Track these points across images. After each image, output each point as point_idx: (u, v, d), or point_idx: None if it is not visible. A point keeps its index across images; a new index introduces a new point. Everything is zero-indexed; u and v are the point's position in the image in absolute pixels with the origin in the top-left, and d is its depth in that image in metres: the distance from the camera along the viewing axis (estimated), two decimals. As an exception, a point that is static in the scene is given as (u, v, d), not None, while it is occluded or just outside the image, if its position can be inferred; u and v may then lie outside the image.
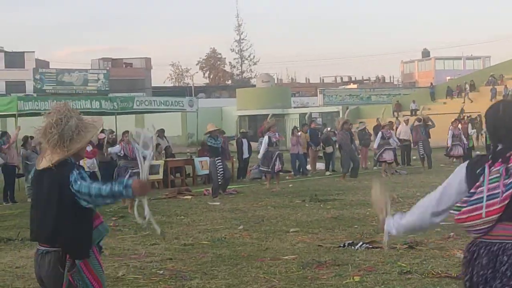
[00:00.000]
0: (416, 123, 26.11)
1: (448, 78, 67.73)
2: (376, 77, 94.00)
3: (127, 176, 14.54)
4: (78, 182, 4.43)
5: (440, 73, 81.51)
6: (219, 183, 17.33)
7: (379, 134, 23.61)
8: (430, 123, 25.89)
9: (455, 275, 7.47)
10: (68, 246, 4.47)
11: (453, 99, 54.93)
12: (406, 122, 28.87)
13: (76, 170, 4.51)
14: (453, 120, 29.20)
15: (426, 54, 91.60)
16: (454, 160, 25.71)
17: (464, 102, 51.58)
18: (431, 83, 64.84)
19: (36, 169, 4.68)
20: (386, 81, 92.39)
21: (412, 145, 26.85)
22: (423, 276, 7.60)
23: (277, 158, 19.45)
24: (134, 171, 14.39)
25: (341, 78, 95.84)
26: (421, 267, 8.04)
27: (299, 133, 25.26)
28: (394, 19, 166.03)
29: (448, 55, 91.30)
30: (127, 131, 15.79)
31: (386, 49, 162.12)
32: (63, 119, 4.56)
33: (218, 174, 17.17)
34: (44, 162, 4.58)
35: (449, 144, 25.26)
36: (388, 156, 22.81)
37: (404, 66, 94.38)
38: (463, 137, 25.41)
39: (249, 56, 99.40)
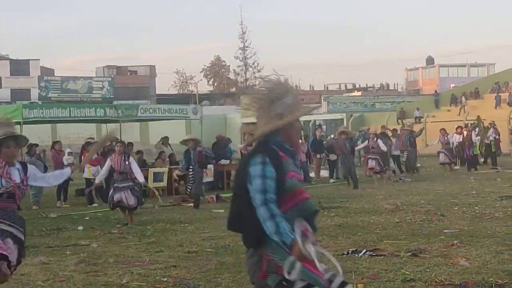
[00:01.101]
0: (402, 131, 26.33)
1: (452, 85, 67.73)
2: (380, 85, 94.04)
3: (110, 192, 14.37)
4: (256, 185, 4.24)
5: (445, 81, 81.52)
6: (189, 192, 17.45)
7: (365, 142, 23.93)
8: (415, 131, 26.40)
9: (458, 283, 7.49)
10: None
11: (458, 106, 54.88)
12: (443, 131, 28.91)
13: (258, 159, 4.27)
14: (456, 127, 29.36)
15: (430, 61, 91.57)
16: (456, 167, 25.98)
17: (459, 114, 51.31)
18: (435, 91, 64.85)
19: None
20: (390, 88, 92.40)
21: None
22: (426, 284, 7.61)
23: None
24: (121, 185, 14.18)
25: (345, 86, 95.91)
26: (425, 274, 8.04)
27: (300, 141, 25.30)
28: (399, 26, 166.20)
29: (453, 62, 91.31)
30: (119, 141, 15.03)
31: (390, 56, 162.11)
32: (280, 93, 4.38)
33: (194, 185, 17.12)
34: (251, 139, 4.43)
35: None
36: (371, 164, 22.92)
37: (408, 73, 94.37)
38: (451, 147, 25.82)
39: (253, 64, 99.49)
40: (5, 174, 6.74)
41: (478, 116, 38.53)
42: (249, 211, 4.24)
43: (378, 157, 22.87)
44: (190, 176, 17.24)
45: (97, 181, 15.25)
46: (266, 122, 4.32)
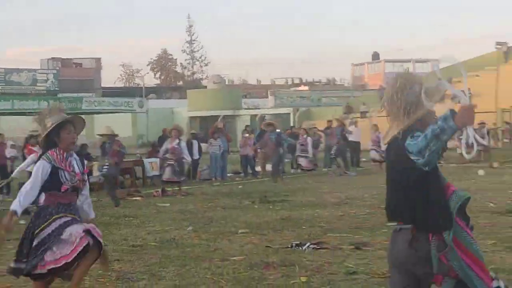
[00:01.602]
0: (334, 125, 26.32)
1: (397, 80, 68.35)
2: (327, 80, 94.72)
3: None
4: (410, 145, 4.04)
5: (390, 76, 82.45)
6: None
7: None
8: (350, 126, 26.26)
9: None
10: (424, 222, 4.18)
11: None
12: (356, 124, 29.15)
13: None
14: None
15: (376, 56, 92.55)
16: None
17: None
18: (380, 86, 65.52)
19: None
20: (336, 83, 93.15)
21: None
22: (369, 276, 7.69)
23: None
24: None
25: (292, 80, 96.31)
26: (367, 267, 8.13)
27: (246, 135, 25.36)
28: (345, 22, 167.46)
29: (398, 58, 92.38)
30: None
31: (337, 51, 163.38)
32: (406, 84, 4.35)
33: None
34: (390, 133, 4.32)
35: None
36: (303, 163, 23.10)
37: (355, 68, 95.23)
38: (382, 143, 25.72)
39: (200, 57, 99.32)
40: (68, 167, 6.28)
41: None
42: (423, 198, 4.20)
43: (308, 154, 23.05)
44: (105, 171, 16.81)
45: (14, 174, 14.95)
46: (401, 117, 4.30)
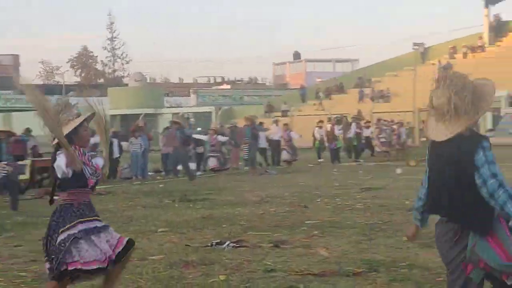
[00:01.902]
0: (243, 124, 26.30)
1: (318, 80, 69.34)
2: (249, 78, 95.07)
3: None
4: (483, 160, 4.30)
5: (311, 75, 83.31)
6: None
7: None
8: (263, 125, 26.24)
9: (317, 272, 7.68)
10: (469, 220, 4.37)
11: (323, 100, 56.28)
12: (276, 123, 29.35)
13: (485, 143, 4.37)
14: (318, 121, 29.99)
15: (297, 56, 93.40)
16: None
17: (318, 109, 52.62)
18: (302, 85, 66.22)
19: (433, 141, 4.55)
20: (258, 82, 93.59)
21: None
22: (287, 273, 7.77)
23: None
24: None
25: (215, 79, 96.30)
26: (286, 265, 8.21)
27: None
28: (266, 21, 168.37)
29: (319, 57, 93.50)
30: None
31: (259, 50, 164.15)
32: (466, 84, 4.46)
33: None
34: (444, 132, 4.44)
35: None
36: (211, 163, 23.20)
37: (276, 68, 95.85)
38: (293, 144, 25.40)
39: (121, 55, 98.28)
40: (88, 162, 6.02)
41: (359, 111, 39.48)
42: (475, 197, 4.35)
43: (219, 154, 23.08)
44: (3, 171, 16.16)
45: None
46: (465, 116, 4.41)
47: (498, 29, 62.29)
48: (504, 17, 63.27)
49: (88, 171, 5.96)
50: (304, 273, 7.74)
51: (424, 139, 37.45)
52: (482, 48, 60.55)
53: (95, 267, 5.75)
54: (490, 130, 47.51)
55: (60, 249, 5.74)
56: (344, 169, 24.96)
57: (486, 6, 62.31)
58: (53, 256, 5.78)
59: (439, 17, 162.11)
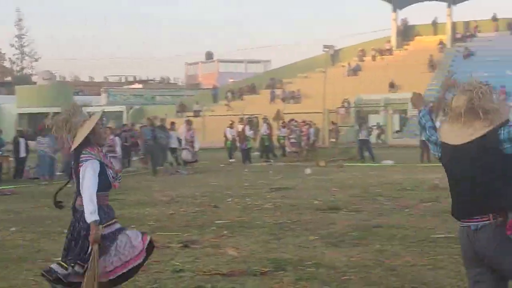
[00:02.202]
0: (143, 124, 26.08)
1: (230, 80, 69.47)
2: (161, 78, 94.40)
3: None
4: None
5: (223, 76, 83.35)
6: None
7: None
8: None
9: (225, 272, 7.70)
10: None
11: (236, 101, 56.43)
12: (187, 123, 29.17)
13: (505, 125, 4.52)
14: (230, 121, 30.01)
15: (209, 56, 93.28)
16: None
17: (228, 109, 52.81)
18: (214, 85, 66.21)
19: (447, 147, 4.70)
20: (170, 82, 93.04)
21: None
22: (195, 273, 7.75)
23: None
24: None
25: (126, 78, 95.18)
26: (194, 265, 8.20)
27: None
28: (178, 20, 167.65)
29: (232, 58, 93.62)
30: None
31: (171, 50, 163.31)
32: (488, 90, 4.65)
33: None
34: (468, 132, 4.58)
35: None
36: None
37: (188, 67, 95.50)
38: (196, 144, 24.91)
39: (30, 52, 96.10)
40: (110, 163, 5.85)
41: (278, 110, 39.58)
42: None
43: (117, 156, 22.80)
44: None
45: None
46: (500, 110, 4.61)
47: (405, 33, 63.89)
48: (411, 22, 64.97)
49: (111, 175, 5.83)
50: (212, 273, 7.75)
51: (334, 140, 38.09)
52: (390, 51, 61.98)
53: (132, 265, 5.73)
54: (397, 131, 48.71)
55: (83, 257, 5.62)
56: (255, 169, 25.10)
57: (394, 10, 63.78)
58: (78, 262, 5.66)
59: (349, 20, 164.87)
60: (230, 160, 29.04)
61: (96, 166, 5.66)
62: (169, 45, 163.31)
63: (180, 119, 38.87)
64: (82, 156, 5.66)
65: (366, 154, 28.87)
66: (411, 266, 7.88)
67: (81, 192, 5.63)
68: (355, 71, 59.25)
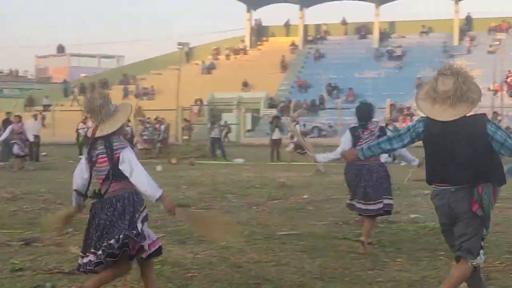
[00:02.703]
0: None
1: (82, 75, 68.03)
2: (9, 70, 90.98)
3: None
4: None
5: (75, 70, 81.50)
6: None
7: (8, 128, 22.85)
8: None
9: (68, 271, 7.49)
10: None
11: (82, 96, 55.38)
12: (36, 117, 28.34)
13: (486, 117, 5.50)
14: (84, 117, 29.27)
15: (61, 50, 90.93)
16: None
17: (71, 105, 51.94)
18: (65, 79, 64.63)
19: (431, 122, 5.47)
20: (20, 75, 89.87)
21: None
22: (35, 272, 7.49)
23: None
24: None
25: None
26: (35, 263, 7.92)
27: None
28: (31, 13, 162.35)
29: (84, 52, 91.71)
30: None
31: (20, 42, 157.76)
32: (468, 77, 5.46)
33: None
34: (451, 113, 5.36)
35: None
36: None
37: (39, 61, 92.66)
38: (29, 136, 23.92)
39: None
40: None
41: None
42: (490, 159, 5.41)
43: None
44: None
45: None
46: (467, 102, 5.40)
47: (259, 33, 64.92)
48: (265, 22, 66.10)
49: None
50: (53, 271, 7.52)
51: (187, 137, 38.11)
52: (244, 51, 62.78)
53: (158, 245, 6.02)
54: (249, 130, 49.40)
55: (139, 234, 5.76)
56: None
57: (249, 10, 64.67)
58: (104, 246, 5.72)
59: (205, 19, 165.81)
60: (80, 157, 28.36)
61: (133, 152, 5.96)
62: (18, 36, 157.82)
63: (29, 113, 37.67)
64: (115, 144, 5.84)
65: (218, 152, 29.08)
66: (256, 262, 7.97)
67: (132, 176, 5.81)
68: (209, 69, 59.63)
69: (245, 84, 55.18)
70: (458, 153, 5.38)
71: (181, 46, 49.35)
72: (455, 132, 5.39)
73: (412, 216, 11.57)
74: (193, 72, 56.46)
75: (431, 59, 55.87)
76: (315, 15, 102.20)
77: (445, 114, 5.39)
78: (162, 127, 32.48)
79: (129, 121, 31.35)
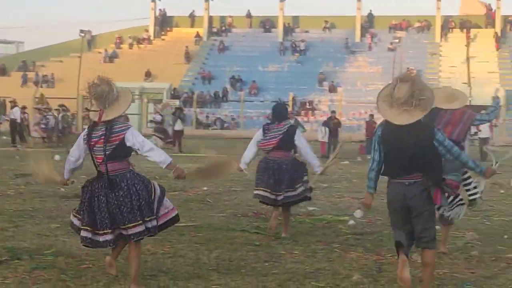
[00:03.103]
0: None
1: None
2: None
3: None
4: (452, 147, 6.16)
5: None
6: None
7: None
8: None
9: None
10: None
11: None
12: None
13: (435, 128, 6.23)
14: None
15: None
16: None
17: None
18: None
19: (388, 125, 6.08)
20: None
21: None
22: None
23: None
24: None
25: None
26: None
27: None
28: None
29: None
30: None
31: None
32: (422, 83, 6.15)
33: None
34: (407, 118, 5.93)
35: None
36: None
37: None
38: None
39: None
40: None
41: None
42: (437, 160, 6.13)
43: None
44: None
45: None
46: (421, 108, 6.01)
47: (163, 23, 64.35)
48: (169, 13, 65.54)
49: None
50: None
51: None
52: (148, 40, 62.12)
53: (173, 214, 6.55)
54: (151, 121, 48.93)
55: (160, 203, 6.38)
56: (1, 154, 23.96)
57: (153, 0, 63.97)
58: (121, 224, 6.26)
59: (108, 6, 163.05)
60: (15, 145, 27.61)
61: None
62: None
63: None
64: (117, 126, 6.29)
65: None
66: (152, 254, 7.88)
67: (143, 149, 6.28)
68: (111, 58, 58.78)
69: (148, 74, 54.68)
70: (411, 153, 6.01)
71: (83, 34, 48.44)
72: (408, 135, 6.00)
73: (310, 208, 11.71)
74: (95, 61, 55.43)
75: (333, 54, 56.86)
76: (220, 7, 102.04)
77: (400, 118, 5.97)
78: (60, 116, 31.70)
79: (25, 107, 30.67)
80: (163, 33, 63.66)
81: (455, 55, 54.99)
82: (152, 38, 62.49)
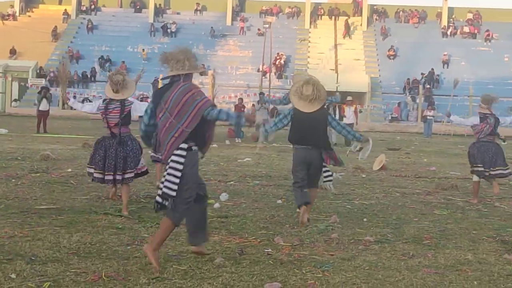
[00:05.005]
0: None
1: None
2: None
3: None
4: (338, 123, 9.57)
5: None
6: None
7: None
8: None
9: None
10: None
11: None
12: None
13: (328, 113, 9.63)
14: None
15: None
16: None
17: None
18: None
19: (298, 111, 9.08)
20: None
21: None
22: None
23: None
24: None
25: None
26: None
27: None
28: None
29: None
30: None
31: None
32: (320, 84, 9.32)
33: None
34: (311, 108, 9.01)
35: None
36: None
37: None
38: None
39: None
40: None
41: None
42: (326, 135, 9.22)
43: None
44: None
45: None
46: (319, 100, 9.22)
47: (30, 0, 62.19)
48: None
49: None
50: None
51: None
52: (13, 16, 59.89)
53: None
54: (15, 100, 47.54)
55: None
56: None
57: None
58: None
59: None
60: None
61: None
62: None
63: None
64: (128, 101, 9.47)
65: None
66: (10, 237, 7.60)
67: (137, 110, 9.57)
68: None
69: (13, 52, 52.81)
70: (313, 129, 8.95)
71: None
72: (311, 118, 8.94)
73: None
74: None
75: (204, 37, 56.85)
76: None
77: (307, 107, 8.93)
78: None
79: None
80: (29, 9, 61.53)
81: (324, 41, 56.24)
82: (17, 14, 60.29)
